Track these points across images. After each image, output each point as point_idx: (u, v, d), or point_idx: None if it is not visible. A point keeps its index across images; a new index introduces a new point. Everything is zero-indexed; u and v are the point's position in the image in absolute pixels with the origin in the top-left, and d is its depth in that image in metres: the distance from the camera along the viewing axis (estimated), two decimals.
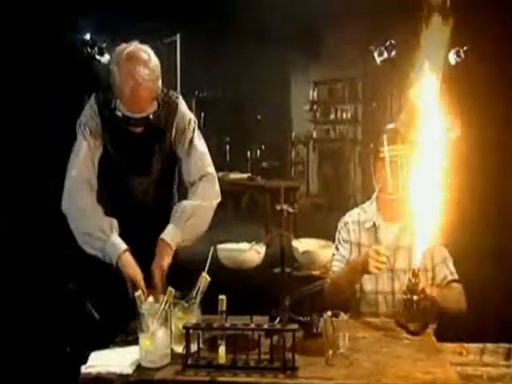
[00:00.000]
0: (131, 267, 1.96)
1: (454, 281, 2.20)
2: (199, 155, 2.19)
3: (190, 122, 2.19)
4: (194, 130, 2.20)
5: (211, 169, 2.21)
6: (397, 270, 2.20)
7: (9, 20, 4.36)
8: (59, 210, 2.10)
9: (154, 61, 2.00)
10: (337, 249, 2.29)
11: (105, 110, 2.12)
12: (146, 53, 1.99)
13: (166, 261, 1.98)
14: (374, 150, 2.28)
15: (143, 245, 2.04)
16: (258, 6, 5.30)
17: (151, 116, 2.03)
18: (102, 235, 1.98)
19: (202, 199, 2.12)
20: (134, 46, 1.99)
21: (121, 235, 2.02)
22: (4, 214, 4.01)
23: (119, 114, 2.01)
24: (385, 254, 1.99)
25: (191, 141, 2.18)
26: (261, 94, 8.47)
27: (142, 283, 1.93)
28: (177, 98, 2.19)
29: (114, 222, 2.02)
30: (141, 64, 1.95)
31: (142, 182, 2.22)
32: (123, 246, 1.98)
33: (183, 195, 2.23)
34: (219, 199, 2.18)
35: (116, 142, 2.15)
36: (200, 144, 2.21)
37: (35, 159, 4.49)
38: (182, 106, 2.20)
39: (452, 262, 2.24)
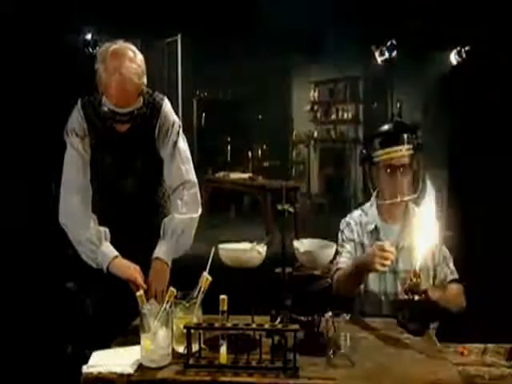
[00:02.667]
0: (124, 269, 2.00)
1: (454, 280, 2.21)
2: (182, 160, 2.18)
3: (173, 125, 2.17)
4: (178, 133, 2.18)
5: (193, 176, 2.20)
6: (399, 270, 2.20)
7: (9, 20, 4.36)
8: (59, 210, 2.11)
9: (139, 57, 2.02)
10: (342, 246, 2.28)
11: (90, 112, 2.13)
12: (131, 50, 2.01)
13: (165, 278, 2.02)
14: (367, 155, 2.26)
15: (134, 246, 2.08)
16: (259, 6, 5.29)
17: (136, 112, 2.03)
18: (91, 246, 2.02)
19: (189, 211, 2.14)
20: (119, 44, 2.01)
21: (112, 237, 2.06)
22: (4, 213, 4.02)
23: (105, 109, 2.01)
24: (390, 249, 1.95)
25: (175, 144, 2.17)
26: (261, 93, 8.46)
27: (140, 280, 1.96)
28: (161, 99, 2.19)
29: (104, 231, 2.06)
30: (126, 59, 1.96)
31: (128, 183, 2.22)
32: (113, 253, 2.02)
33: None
34: (201, 208, 2.19)
35: (101, 143, 2.15)
36: (184, 149, 2.20)
37: (36, 159, 4.49)
38: (167, 107, 2.19)
39: (452, 262, 2.24)
